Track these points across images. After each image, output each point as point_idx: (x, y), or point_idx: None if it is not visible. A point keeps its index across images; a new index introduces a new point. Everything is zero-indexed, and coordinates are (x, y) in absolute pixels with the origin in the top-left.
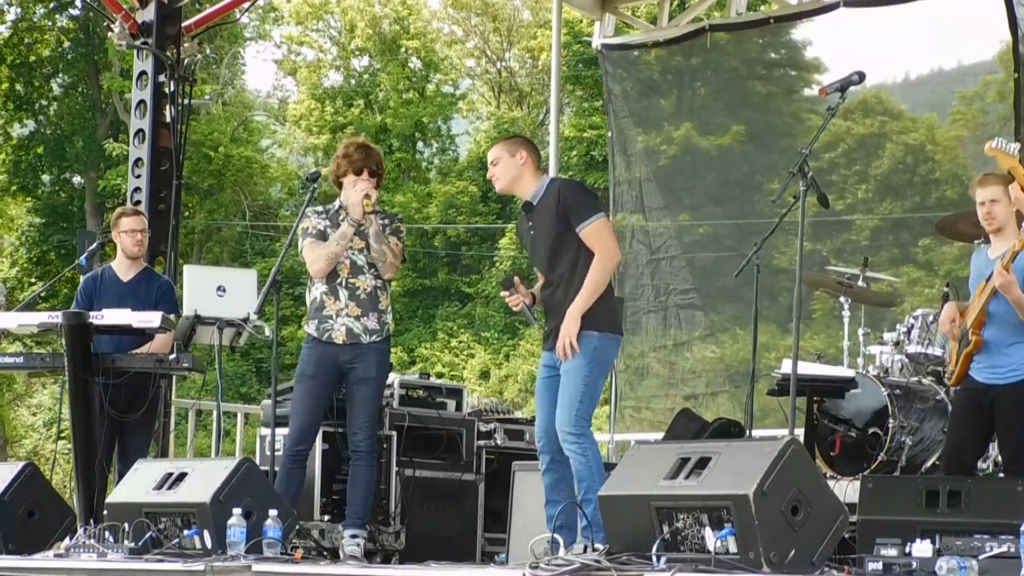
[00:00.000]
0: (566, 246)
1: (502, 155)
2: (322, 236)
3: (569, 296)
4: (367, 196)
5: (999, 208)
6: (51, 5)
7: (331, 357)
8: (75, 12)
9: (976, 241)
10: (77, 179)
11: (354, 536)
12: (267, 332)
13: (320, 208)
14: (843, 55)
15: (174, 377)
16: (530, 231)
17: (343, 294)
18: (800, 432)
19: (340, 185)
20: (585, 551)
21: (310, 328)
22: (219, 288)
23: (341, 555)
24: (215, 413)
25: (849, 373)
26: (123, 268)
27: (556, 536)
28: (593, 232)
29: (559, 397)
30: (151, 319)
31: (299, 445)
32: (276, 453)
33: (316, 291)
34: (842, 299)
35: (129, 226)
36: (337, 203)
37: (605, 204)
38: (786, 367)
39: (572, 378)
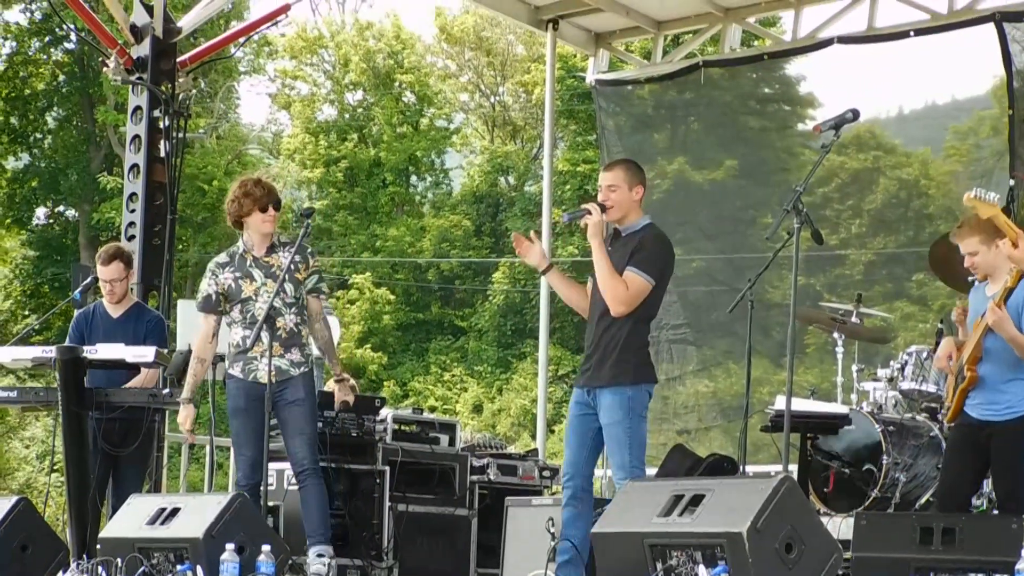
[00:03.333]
0: None
1: (622, 185)
2: (210, 303)
3: (620, 335)
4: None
5: (979, 259)
6: (46, 39)
7: (260, 390)
8: (70, 46)
9: (971, 278)
10: (71, 212)
11: (320, 555)
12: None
13: (224, 259)
14: (837, 90)
15: (167, 411)
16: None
17: (265, 337)
18: (794, 468)
19: (241, 225)
20: None
21: (234, 371)
22: None
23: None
24: (208, 447)
25: (843, 409)
26: (113, 304)
27: (550, 572)
28: (634, 282)
29: (609, 454)
30: (145, 354)
31: (255, 478)
32: (270, 487)
33: (236, 335)
34: (835, 335)
35: (100, 275)
36: (241, 245)
37: None
38: (780, 403)
39: (615, 433)
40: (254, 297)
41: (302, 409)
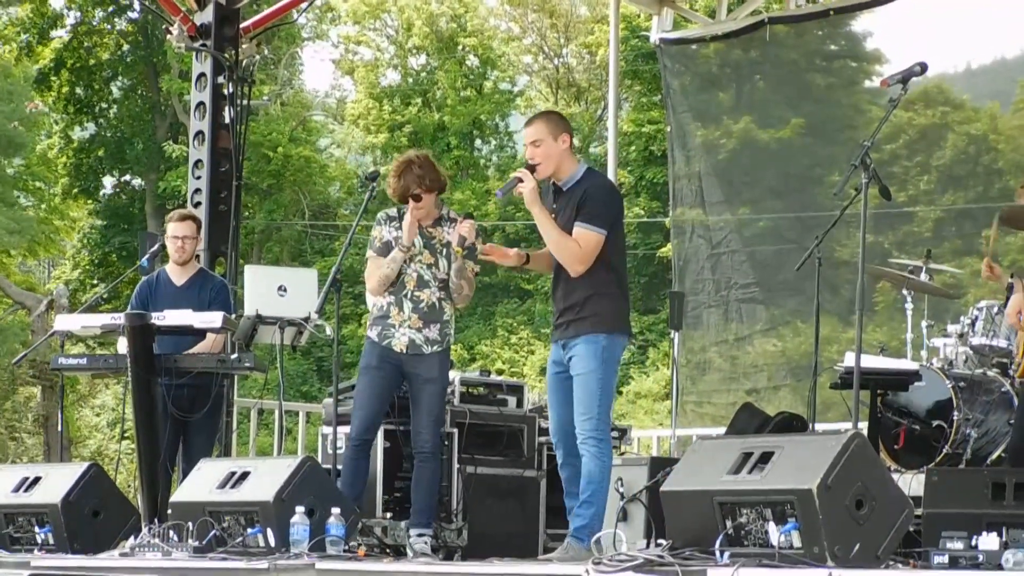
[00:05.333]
0: None
1: (545, 138)
2: (387, 248)
3: (589, 286)
4: (463, 239)
5: None
6: (110, 9)
7: (394, 357)
8: (133, 15)
9: None
10: (137, 181)
11: (421, 535)
12: (328, 331)
13: (393, 212)
14: (904, 45)
15: (236, 376)
16: (553, 215)
17: (407, 306)
18: (864, 425)
19: None
20: (648, 546)
21: (372, 333)
22: (280, 288)
23: (410, 553)
24: (277, 412)
25: (913, 366)
26: (176, 271)
27: (619, 532)
28: (585, 238)
29: (576, 402)
30: (213, 319)
31: (366, 435)
32: (338, 451)
33: (382, 300)
34: (905, 291)
35: (172, 232)
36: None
37: (665, 199)
38: (849, 360)
39: (587, 382)
40: (407, 261)
41: (434, 389)
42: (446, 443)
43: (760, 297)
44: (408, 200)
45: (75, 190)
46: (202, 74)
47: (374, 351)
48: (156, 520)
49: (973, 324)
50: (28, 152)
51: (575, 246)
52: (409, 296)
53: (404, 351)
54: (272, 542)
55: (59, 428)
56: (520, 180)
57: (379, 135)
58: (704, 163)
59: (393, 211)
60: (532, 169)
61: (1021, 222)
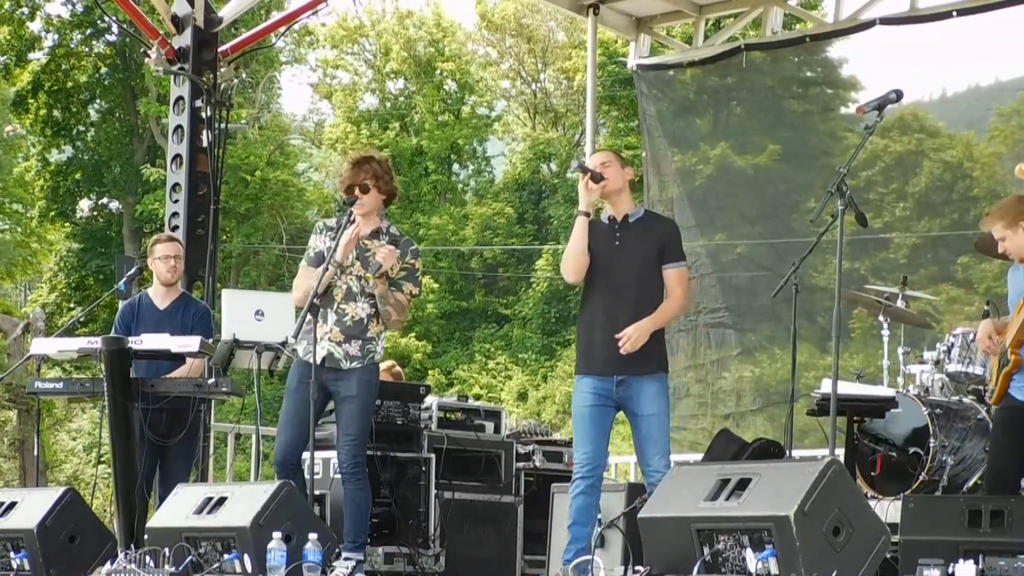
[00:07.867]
0: (659, 277)
1: (614, 162)
2: (319, 259)
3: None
4: (377, 266)
5: (1008, 243)
6: (88, 31)
7: (311, 372)
8: (112, 38)
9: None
10: (115, 204)
11: (347, 559)
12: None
13: (332, 222)
14: (879, 73)
15: (213, 401)
16: (616, 241)
17: (331, 318)
18: (840, 452)
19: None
20: (626, 573)
21: (299, 348)
22: (257, 312)
23: None
24: (254, 437)
25: (889, 392)
26: (159, 295)
27: (597, 558)
28: (679, 276)
29: (650, 440)
30: (190, 344)
31: (285, 461)
32: (316, 476)
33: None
34: (881, 318)
35: (163, 252)
36: (350, 213)
37: None
38: (826, 387)
39: (660, 422)
40: (339, 273)
41: (352, 408)
42: (423, 468)
43: (730, 322)
44: (355, 191)
45: (52, 213)
46: (180, 97)
47: (296, 370)
48: (133, 545)
49: (949, 351)
50: (5, 175)
51: (676, 297)
52: (335, 308)
53: (323, 364)
54: (249, 568)
55: (35, 452)
56: (605, 178)
57: None
58: (679, 189)
59: (332, 221)
60: (599, 180)
61: (993, 249)
